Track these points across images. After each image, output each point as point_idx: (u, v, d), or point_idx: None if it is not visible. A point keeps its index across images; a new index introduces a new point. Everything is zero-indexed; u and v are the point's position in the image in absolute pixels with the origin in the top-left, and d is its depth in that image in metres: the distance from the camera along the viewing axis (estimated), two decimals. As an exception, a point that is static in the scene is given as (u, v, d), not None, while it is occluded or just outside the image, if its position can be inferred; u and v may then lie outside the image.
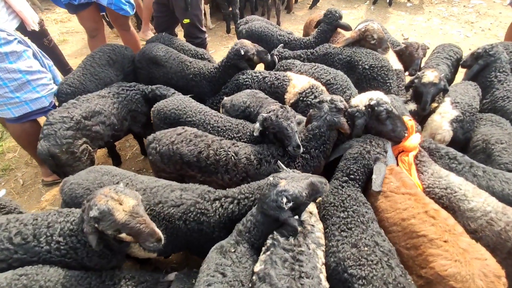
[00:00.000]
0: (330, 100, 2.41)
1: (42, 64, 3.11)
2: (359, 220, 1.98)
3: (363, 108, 2.48)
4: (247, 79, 3.29)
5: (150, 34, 5.08)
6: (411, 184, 2.18)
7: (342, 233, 1.95)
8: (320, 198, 2.11)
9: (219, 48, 6.09)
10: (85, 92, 3.19)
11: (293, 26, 6.76)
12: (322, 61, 3.51)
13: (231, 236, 1.96)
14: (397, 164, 2.45)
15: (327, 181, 2.00)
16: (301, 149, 2.34)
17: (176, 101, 2.99)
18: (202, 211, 2.10)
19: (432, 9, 7.22)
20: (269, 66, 3.60)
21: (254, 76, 3.29)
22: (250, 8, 7.01)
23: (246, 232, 1.92)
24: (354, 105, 2.52)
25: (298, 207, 1.86)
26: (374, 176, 2.21)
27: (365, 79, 3.30)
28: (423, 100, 2.88)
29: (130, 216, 1.71)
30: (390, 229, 2.06)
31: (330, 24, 3.75)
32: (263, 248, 1.85)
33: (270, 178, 1.93)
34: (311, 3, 7.42)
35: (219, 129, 2.77)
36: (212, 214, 2.10)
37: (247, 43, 3.39)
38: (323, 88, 3.02)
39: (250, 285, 1.73)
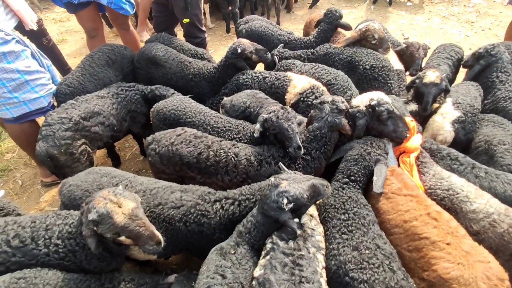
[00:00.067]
0: (331, 101, 2.39)
1: (40, 64, 3.09)
2: (360, 222, 1.96)
3: (364, 108, 2.46)
4: (247, 79, 3.27)
5: (146, 35, 5.05)
6: (412, 186, 2.17)
7: (343, 235, 1.93)
8: (320, 200, 2.10)
9: (218, 48, 6.07)
10: (84, 93, 3.17)
11: (293, 25, 6.74)
12: (323, 61, 3.49)
13: (231, 237, 1.95)
14: (399, 165, 2.43)
15: (328, 184, 1.98)
16: (302, 150, 2.32)
17: (176, 101, 2.97)
18: (203, 212, 2.09)
19: (432, 8, 7.21)
20: (269, 66, 3.58)
21: (254, 76, 3.28)
22: (250, 7, 6.99)
23: (246, 233, 1.90)
24: (355, 105, 2.51)
25: (299, 208, 1.85)
26: (375, 178, 2.19)
27: (366, 79, 3.29)
28: (424, 101, 2.86)
29: (129, 219, 1.69)
30: (392, 231, 2.04)
31: (331, 24, 3.73)
32: (263, 252, 1.83)
33: (272, 179, 1.91)
34: (311, 2, 7.40)
35: (219, 130, 2.76)
36: (213, 216, 2.08)
37: (244, 41, 3.37)
38: (324, 88, 3.01)
39: (249, 288, 1.72)
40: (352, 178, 2.23)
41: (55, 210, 3.29)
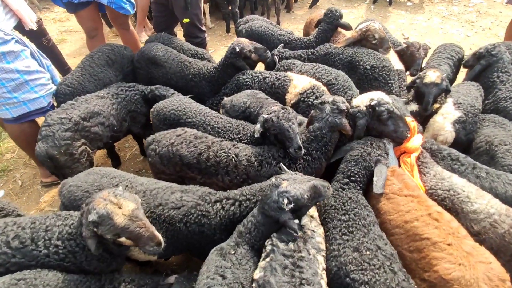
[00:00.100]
0: (332, 101, 2.38)
1: (40, 64, 3.08)
2: (360, 223, 1.96)
3: (364, 108, 2.45)
4: (247, 79, 3.26)
5: (144, 35, 5.04)
6: (413, 186, 2.16)
7: (343, 236, 1.92)
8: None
9: (218, 48, 6.06)
10: (84, 93, 3.16)
11: (293, 25, 6.73)
12: (323, 61, 3.48)
13: (231, 238, 1.95)
14: (399, 166, 2.43)
15: (329, 185, 1.98)
16: (303, 151, 2.31)
17: (176, 101, 2.96)
18: (203, 213, 2.08)
19: (432, 8, 7.20)
20: (269, 66, 3.57)
21: (255, 76, 3.27)
22: (250, 7, 6.98)
23: (247, 233, 1.90)
24: (355, 105, 2.50)
25: (299, 209, 1.84)
26: (375, 179, 2.19)
27: (367, 79, 3.28)
28: (425, 101, 2.85)
29: (129, 220, 1.68)
30: (393, 232, 2.04)
31: (331, 24, 3.72)
32: (263, 254, 1.82)
33: (273, 179, 1.91)
34: (311, 2, 7.39)
35: (219, 130, 2.75)
36: (213, 216, 2.08)
37: (243, 40, 3.36)
38: (325, 88, 3.00)
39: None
40: (353, 178, 2.23)
41: (55, 211, 3.29)
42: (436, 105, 2.94)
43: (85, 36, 4.29)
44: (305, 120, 2.60)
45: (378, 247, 1.82)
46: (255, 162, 2.40)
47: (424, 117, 3.00)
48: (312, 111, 2.48)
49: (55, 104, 3.23)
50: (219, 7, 6.50)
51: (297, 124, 2.40)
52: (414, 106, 3.01)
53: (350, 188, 2.20)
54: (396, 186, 2.17)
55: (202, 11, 4.64)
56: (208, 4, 6.55)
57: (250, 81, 3.25)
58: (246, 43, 3.33)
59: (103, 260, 1.94)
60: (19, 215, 2.33)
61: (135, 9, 4.06)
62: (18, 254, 1.85)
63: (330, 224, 2.05)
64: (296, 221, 1.85)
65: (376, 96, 2.48)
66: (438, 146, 2.58)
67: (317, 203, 2.13)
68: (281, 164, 2.17)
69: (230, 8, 6.04)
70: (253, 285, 1.70)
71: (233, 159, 2.42)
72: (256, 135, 2.48)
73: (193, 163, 2.47)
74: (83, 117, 2.82)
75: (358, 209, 2.05)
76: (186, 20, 4.33)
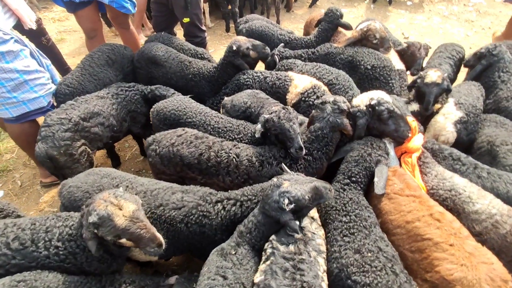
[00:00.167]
0: (333, 101, 2.37)
1: (40, 64, 3.07)
2: (361, 224, 1.95)
3: (364, 108, 2.45)
4: (248, 79, 3.25)
5: (142, 37, 5.03)
6: (415, 186, 2.16)
7: (344, 238, 1.92)
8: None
9: (218, 47, 6.05)
10: (83, 93, 3.15)
11: (293, 24, 6.72)
12: (324, 60, 3.48)
13: (232, 238, 1.94)
14: (400, 166, 2.42)
15: (331, 187, 1.96)
16: (304, 151, 2.31)
17: (176, 101, 2.95)
18: (204, 213, 2.07)
19: (432, 7, 7.20)
20: (270, 65, 3.56)
21: (255, 76, 3.26)
22: (250, 6, 6.96)
23: (247, 233, 1.89)
24: (355, 105, 2.50)
25: (300, 210, 1.84)
26: (376, 179, 2.18)
27: (367, 79, 3.27)
28: (426, 100, 2.85)
29: (130, 222, 1.68)
30: (394, 232, 2.03)
31: (331, 23, 3.71)
32: (263, 257, 1.81)
33: (274, 179, 1.90)
34: (310, 1, 7.38)
35: (220, 130, 2.74)
36: (214, 217, 2.07)
37: (240, 38, 3.35)
38: (325, 88, 2.99)
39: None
40: (353, 179, 2.23)
41: (55, 211, 3.28)
42: (438, 106, 2.94)
43: (84, 37, 4.27)
44: (306, 120, 2.60)
45: (380, 249, 1.81)
46: (256, 162, 2.39)
47: (425, 117, 3.00)
48: (313, 111, 2.47)
49: (55, 104, 3.22)
50: (218, 6, 6.48)
51: (298, 124, 2.39)
52: (415, 106, 3.01)
53: (351, 188, 2.20)
54: (397, 186, 2.17)
55: (202, 10, 4.62)
56: (207, 3, 6.53)
57: (251, 80, 3.24)
58: (244, 41, 3.31)
59: (104, 261, 1.93)
60: (19, 216, 2.31)
61: (136, 8, 4.04)
62: (18, 256, 1.84)
63: (331, 226, 2.04)
64: (297, 222, 1.84)
65: (376, 95, 2.47)
66: (439, 146, 2.58)
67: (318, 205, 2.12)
68: (283, 165, 2.16)
69: (229, 7, 6.02)
70: None
71: (234, 159, 2.41)
72: (257, 135, 2.47)
73: (193, 163, 2.46)
74: (83, 118, 2.81)
75: (359, 210, 2.04)
76: (186, 20, 4.31)
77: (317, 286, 1.64)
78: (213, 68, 3.48)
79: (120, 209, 1.68)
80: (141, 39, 4.64)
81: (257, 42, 3.40)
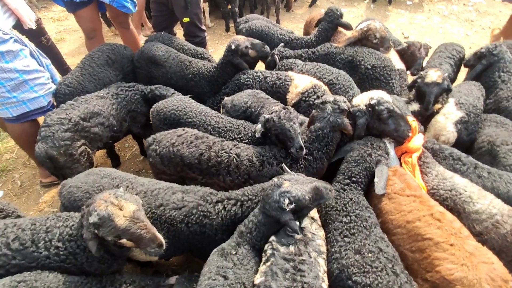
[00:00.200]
0: (333, 101, 2.37)
1: (39, 63, 3.06)
2: (362, 225, 1.95)
3: (364, 107, 2.44)
4: (248, 79, 3.25)
5: (141, 37, 5.02)
6: (415, 186, 2.16)
7: (345, 238, 1.91)
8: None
9: (218, 47, 6.04)
10: (83, 93, 3.14)
11: (293, 24, 6.72)
12: (324, 60, 3.47)
13: (232, 238, 1.94)
14: (401, 166, 2.42)
15: (332, 188, 1.96)
16: (304, 151, 2.30)
17: (176, 101, 2.95)
18: (205, 213, 2.07)
19: (432, 7, 7.20)
20: (270, 65, 3.56)
21: (255, 76, 3.25)
22: (249, 6, 6.96)
23: (248, 233, 1.89)
24: (355, 104, 2.49)
25: (300, 210, 1.83)
26: (376, 179, 2.18)
27: (368, 79, 3.27)
28: (426, 100, 2.85)
29: (130, 222, 1.67)
30: (395, 231, 2.03)
31: (331, 23, 3.71)
32: (263, 258, 1.81)
33: (275, 179, 1.90)
34: (310, 1, 7.37)
35: (220, 130, 2.74)
36: (215, 217, 2.07)
37: (239, 37, 3.34)
38: (326, 88, 2.99)
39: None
40: (353, 179, 2.22)
41: (55, 211, 3.27)
42: (438, 106, 2.94)
43: (84, 36, 4.26)
44: (306, 120, 2.59)
45: (380, 249, 1.81)
46: (257, 162, 2.39)
47: (425, 117, 3.00)
48: (313, 110, 2.47)
49: (55, 103, 3.22)
50: (218, 6, 6.48)
51: (298, 124, 2.39)
52: (415, 106, 3.01)
53: (351, 189, 2.19)
54: (398, 186, 2.17)
55: (202, 10, 4.61)
56: (207, 3, 6.53)
57: (251, 80, 3.24)
58: (242, 40, 3.31)
59: (104, 262, 1.93)
60: (19, 216, 2.31)
61: (136, 8, 4.03)
62: (18, 256, 1.84)
63: (331, 226, 2.04)
64: (297, 222, 1.84)
65: (376, 95, 2.47)
66: (440, 145, 2.58)
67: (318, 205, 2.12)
68: (284, 165, 2.16)
69: (229, 7, 6.02)
70: None
71: (234, 159, 2.40)
72: (257, 135, 2.47)
73: (194, 163, 2.46)
74: (83, 118, 2.80)
75: (360, 210, 2.04)
76: (186, 20, 4.31)
77: (318, 287, 1.64)
78: (213, 68, 3.48)
79: (121, 210, 1.68)
80: (141, 39, 4.63)
81: (256, 41, 3.39)
